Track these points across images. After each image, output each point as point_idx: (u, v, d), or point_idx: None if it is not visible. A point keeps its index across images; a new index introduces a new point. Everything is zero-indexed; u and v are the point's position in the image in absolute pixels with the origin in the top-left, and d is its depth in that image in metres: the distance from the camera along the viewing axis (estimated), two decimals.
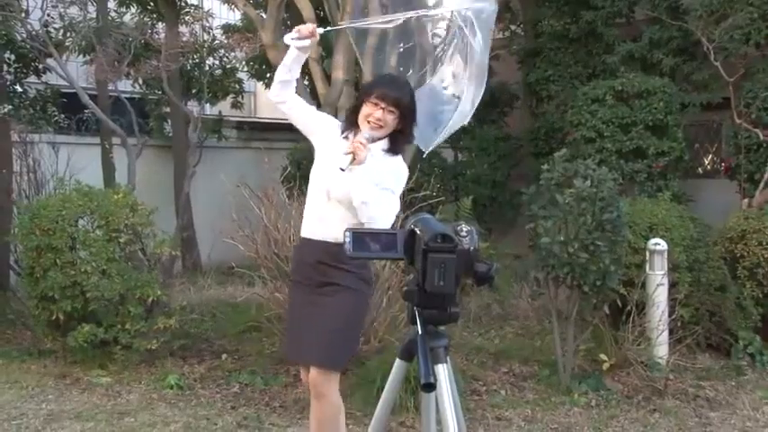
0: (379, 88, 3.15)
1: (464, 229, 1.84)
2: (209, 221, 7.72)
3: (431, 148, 3.58)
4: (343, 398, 4.75)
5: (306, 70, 8.44)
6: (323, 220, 3.14)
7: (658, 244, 5.26)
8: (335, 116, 7.34)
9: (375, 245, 1.88)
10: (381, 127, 3.13)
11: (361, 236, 1.89)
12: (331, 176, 3.07)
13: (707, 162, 9.94)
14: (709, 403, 4.79)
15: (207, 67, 10.24)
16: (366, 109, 3.14)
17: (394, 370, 1.97)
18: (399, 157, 3.21)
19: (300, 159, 9.26)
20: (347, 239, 1.86)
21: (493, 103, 11.35)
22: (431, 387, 1.79)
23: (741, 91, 7.63)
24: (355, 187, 2.97)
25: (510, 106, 11.46)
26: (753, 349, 5.47)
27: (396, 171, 3.17)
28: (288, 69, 3.24)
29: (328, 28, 3.35)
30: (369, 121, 3.12)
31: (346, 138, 3.16)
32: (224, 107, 11.55)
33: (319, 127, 3.34)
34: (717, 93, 8.22)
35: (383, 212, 2.98)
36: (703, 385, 5.03)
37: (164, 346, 5.48)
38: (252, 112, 14.79)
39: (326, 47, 8.48)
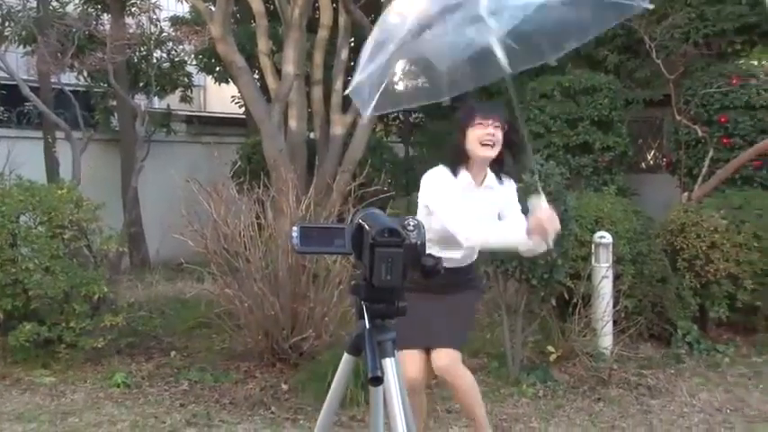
0: (479, 112, 3.33)
1: (411, 223, 1.85)
2: (158, 217, 7.60)
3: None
4: (293, 393, 4.79)
5: (256, 64, 8.41)
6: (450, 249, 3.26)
7: (604, 237, 5.38)
8: (286, 110, 7.35)
9: (323, 240, 1.88)
10: (494, 144, 3.28)
11: (308, 231, 1.89)
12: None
13: (650, 157, 10.20)
14: (650, 391, 4.93)
15: (154, 60, 10.07)
16: (475, 133, 3.28)
17: (342, 364, 1.98)
18: (506, 179, 3.42)
19: (251, 154, 9.19)
20: (294, 235, 1.85)
21: None
22: (378, 381, 1.80)
23: (681, 88, 7.85)
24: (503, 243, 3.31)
25: (461, 101, 11.54)
26: (691, 338, 5.65)
27: (513, 191, 3.42)
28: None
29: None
30: (482, 143, 3.27)
31: (455, 173, 3.30)
32: (173, 101, 11.36)
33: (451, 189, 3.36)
34: (658, 90, 8.44)
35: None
36: (645, 374, 5.18)
37: (110, 344, 5.39)
38: (201, 107, 14.59)
39: (277, 41, 8.42)
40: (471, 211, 3.26)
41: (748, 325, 6.00)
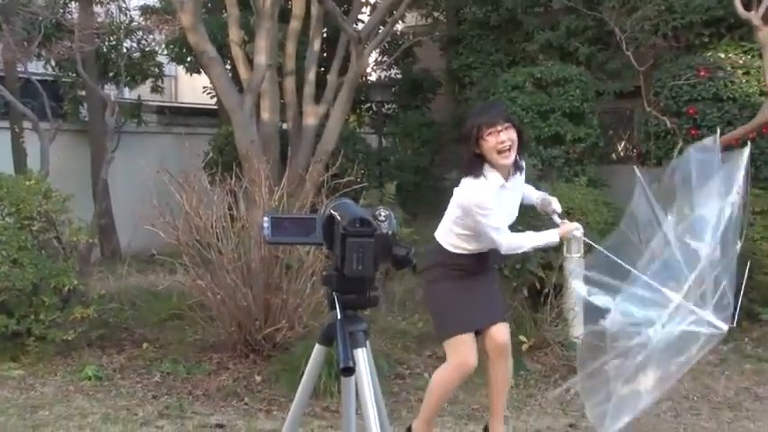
0: (484, 118, 3.31)
1: (382, 213, 1.85)
2: (129, 208, 7.50)
3: None
4: (267, 384, 4.78)
5: (228, 54, 8.33)
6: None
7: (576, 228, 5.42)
8: (258, 101, 7.30)
9: (294, 230, 1.88)
10: (510, 148, 3.28)
11: (280, 221, 1.88)
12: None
13: (620, 148, 10.31)
14: None
15: (124, 50, 9.92)
16: (489, 142, 3.27)
17: (313, 355, 1.98)
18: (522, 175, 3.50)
19: (223, 145, 9.12)
20: (266, 225, 1.85)
21: (416, 90, 11.44)
22: (350, 371, 1.81)
23: (651, 80, 7.94)
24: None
25: (433, 92, 11.57)
26: None
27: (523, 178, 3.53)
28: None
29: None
30: (498, 151, 3.27)
31: (477, 176, 3.32)
32: (144, 91, 11.23)
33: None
34: (629, 81, 8.53)
35: None
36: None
37: (81, 337, 5.32)
38: (173, 97, 14.44)
39: (248, 30, 8.35)
40: (508, 210, 3.38)
41: None
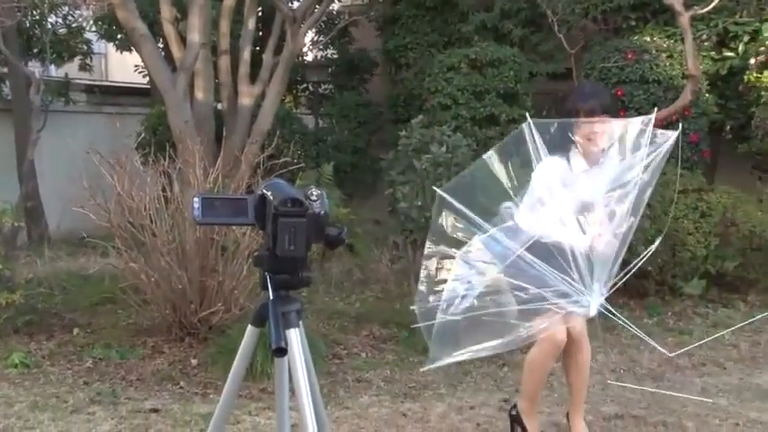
0: (582, 104, 3.26)
1: (314, 193, 1.85)
2: (58, 190, 7.28)
3: None
4: (203, 368, 4.74)
5: (159, 32, 8.13)
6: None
7: (509, 207, 5.50)
8: (192, 80, 7.16)
9: (225, 211, 1.86)
10: (602, 137, 3.20)
11: (210, 201, 1.86)
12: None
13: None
14: None
15: (49, 26, 9.57)
16: (581, 130, 3.21)
17: (246, 336, 1.98)
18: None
19: (156, 125, 8.93)
20: (196, 206, 1.83)
21: (353, 70, 11.40)
22: (282, 352, 1.81)
23: (582, 62, 8.11)
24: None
25: (370, 73, 11.56)
26: None
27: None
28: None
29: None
30: (589, 138, 3.21)
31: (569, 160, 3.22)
32: (71, 69, 10.86)
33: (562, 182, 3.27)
34: (561, 63, 8.70)
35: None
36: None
37: (7, 323, 5.16)
38: (103, 75, 14.03)
39: (181, 8, 8.16)
40: (582, 195, 3.20)
41: (641, 289, 6.32)
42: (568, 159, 3.30)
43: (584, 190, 3.23)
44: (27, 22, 9.41)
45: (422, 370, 4.19)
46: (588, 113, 3.26)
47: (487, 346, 3.17)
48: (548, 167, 3.24)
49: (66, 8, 9.90)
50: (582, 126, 3.24)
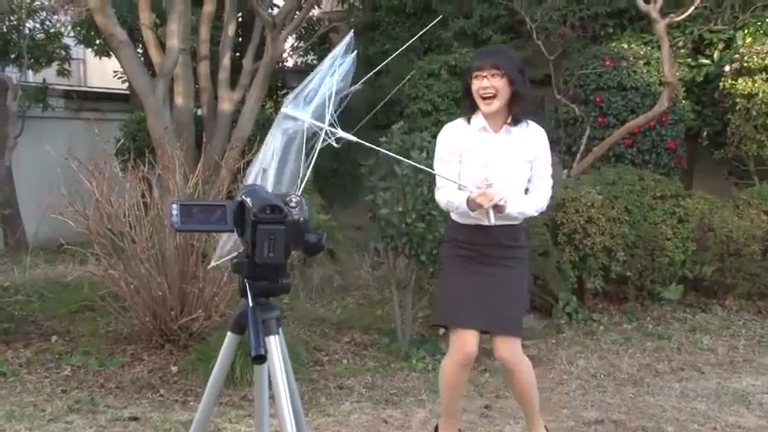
0: (475, 62, 3.22)
1: (293, 199, 1.85)
2: (35, 197, 7.20)
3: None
4: (183, 375, 4.71)
5: (139, 37, 8.08)
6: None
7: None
8: (171, 86, 7.13)
9: (204, 218, 1.85)
10: (494, 96, 3.14)
11: (189, 208, 1.85)
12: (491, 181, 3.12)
13: None
14: (532, 361, 5.12)
15: (26, 31, 9.48)
16: (474, 85, 3.16)
17: (225, 344, 1.97)
18: (532, 124, 3.28)
19: (135, 131, 8.87)
20: (174, 213, 1.82)
21: None
22: (262, 359, 1.80)
23: (560, 69, 8.18)
24: (511, 209, 3.12)
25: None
26: (570, 309, 5.95)
27: (536, 141, 3.27)
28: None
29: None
30: (481, 96, 3.15)
31: (468, 121, 3.23)
32: (49, 75, 10.76)
33: (460, 153, 3.26)
34: (540, 70, 8.74)
35: (545, 193, 3.34)
36: (527, 344, 5.39)
37: None
38: (82, 81, 13.90)
39: (160, 13, 8.13)
40: (487, 161, 3.17)
41: (620, 294, 6.38)
42: (469, 120, 3.27)
43: (491, 158, 3.20)
44: (4, 27, 9.32)
45: (209, 267, 3.98)
46: (478, 69, 3.18)
47: None
48: (441, 136, 3.31)
49: (44, 13, 9.81)
50: (475, 81, 3.17)
